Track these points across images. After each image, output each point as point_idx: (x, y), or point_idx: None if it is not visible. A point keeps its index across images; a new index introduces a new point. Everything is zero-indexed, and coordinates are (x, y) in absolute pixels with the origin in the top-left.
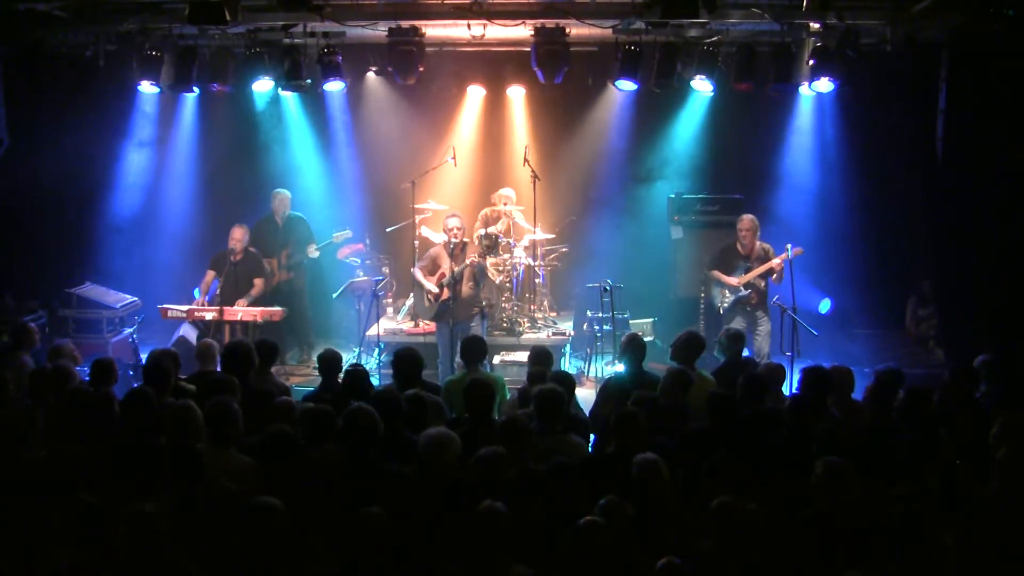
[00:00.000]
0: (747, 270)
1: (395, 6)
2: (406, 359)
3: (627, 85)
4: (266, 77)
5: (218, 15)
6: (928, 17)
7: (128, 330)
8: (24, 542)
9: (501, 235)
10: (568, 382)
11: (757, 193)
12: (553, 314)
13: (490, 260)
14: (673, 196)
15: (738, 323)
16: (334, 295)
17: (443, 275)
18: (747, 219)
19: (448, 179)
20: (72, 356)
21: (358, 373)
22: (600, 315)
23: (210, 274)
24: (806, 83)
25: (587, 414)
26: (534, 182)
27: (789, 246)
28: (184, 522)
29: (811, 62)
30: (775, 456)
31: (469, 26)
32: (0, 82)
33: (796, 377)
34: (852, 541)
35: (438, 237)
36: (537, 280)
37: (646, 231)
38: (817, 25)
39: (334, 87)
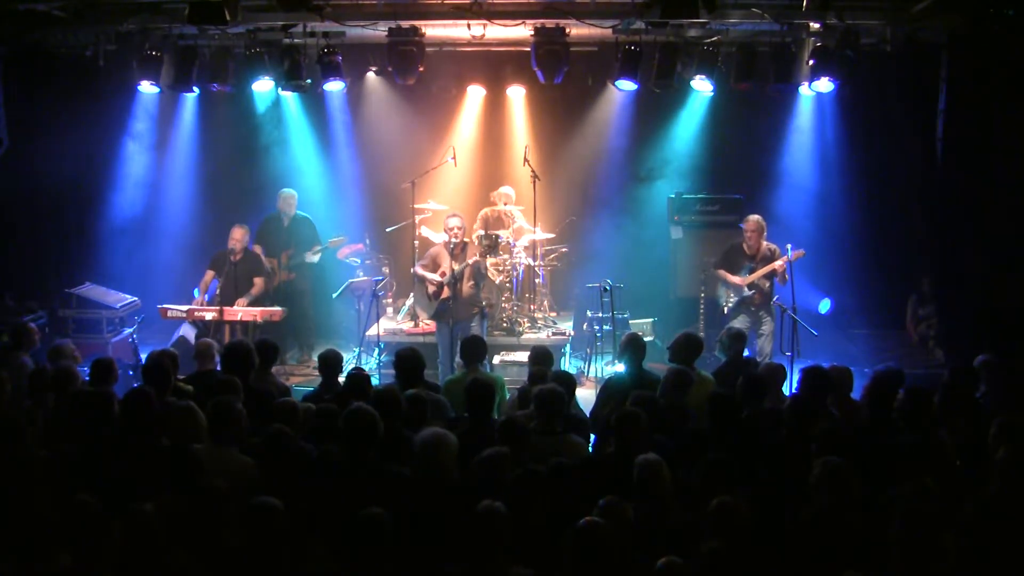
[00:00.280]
0: (752, 270)
1: (395, 6)
2: (408, 359)
3: (627, 85)
4: (266, 77)
5: (218, 15)
6: (928, 17)
7: (128, 330)
8: (24, 542)
9: (501, 235)
10: (568, 382)
11: (757, 193)
12: (553, 314)
13: (490, 260)
14: (673, 196)
15: (741, 322)
16: (334, 295)
17: (443, 274)
18: (753, 220)
19: (448, 179)
20: (72, 356)
21: (360, 378)
22: (600, 315)
23: (209, 274)
24: (806, 83)
25: (587, 414)
26: (534, 182)
27: (790, 247)
28: (184, 522)
29: (811, 62)
30: (775, 456)
31: (469, 26)
32: (0, 82)
33: (796, 377)
34: (852, 541)
35: (438, 237)
36: (537, 280)
37: (646, 231)
38: (817, 25)
39: (334, 87)
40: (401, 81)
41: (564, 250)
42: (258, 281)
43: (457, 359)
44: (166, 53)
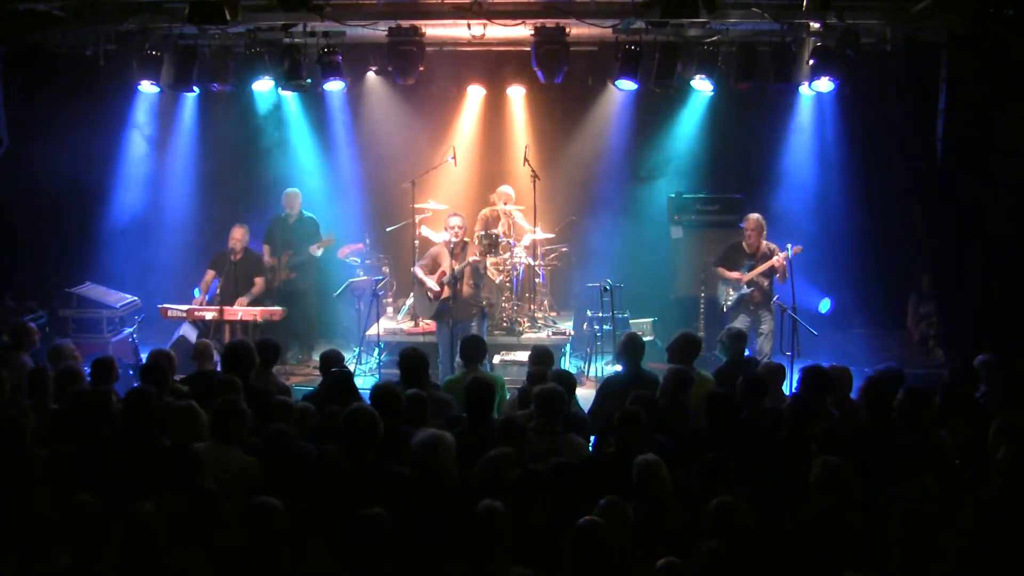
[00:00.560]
0: (751, 268)
1: (395, 6)
2: (412, 358)
3: (627, 85)
4: (266, 77)
5: (218, 15)
6: (928, 17)
7: (128, 330)
8: (24, 542)
9: (501, 235)
10: (569, 382)
11: (757, 193)
12: (553, 314)
13: (490, 260)
14: (673, 196)
15: (741, 321)
16: (335, 294)
17: (443, 274)
18: (753, 218)
19: (448, 179)
20: (72, 356)
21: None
22: (600, 315)
23: (210, 273)
24: (806, 83)
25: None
26: (534, 182)
27: (789, 245)
28: (184, 522)
29: (811, 62)
30: (775, 456)
31: (469, 26)
32: (0, 82)
33: (796, 377)
34: (852, 541)
35: (438, 237)
36: (537, 280)
37: (646, 231)
38: (817, 25)
39: (334, 87)
40: (401, 81)
41: (564, 250)
42: (258, 281)
43: (457, 359)
44: (166, 53)
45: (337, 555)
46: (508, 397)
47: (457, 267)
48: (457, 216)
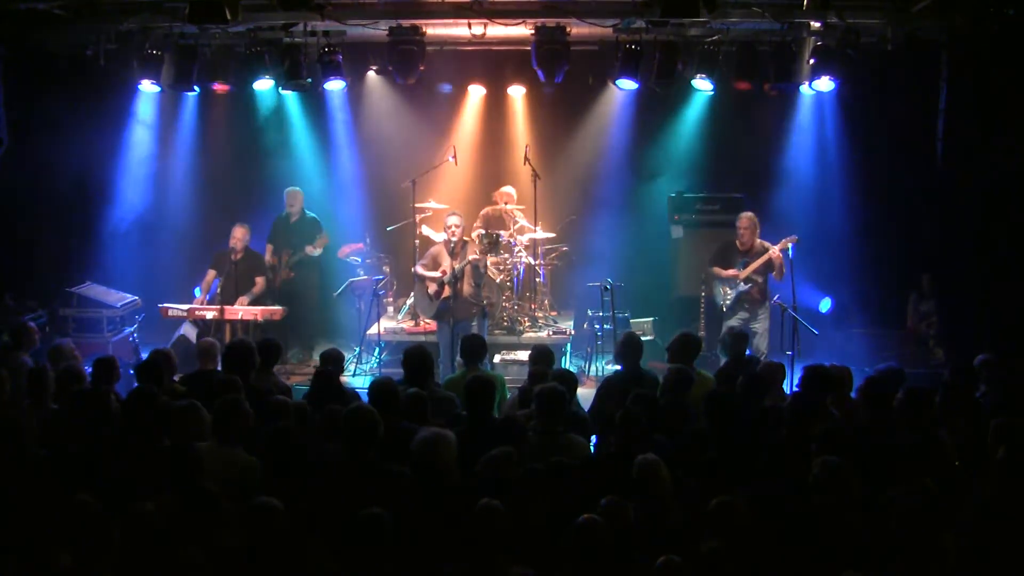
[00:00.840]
0: (746, 266)
1: (395, 5)
2: (415, 356)
3: (627, 84)
4: (266, 76)
5: (219, 14)
6: (928, 17)
7: (129, 329)
8: (24, 542)
9: (503, 235)
10: (569, 381)
11: (757, 192)
12: (554, 313)
13: (491, 259)
14: (673, 195)
15: (739, 319)
16: (335, 294)
17: (444, 273)
18: (746, 217)
19: (448, 178)
20: (72, 356)
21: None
22: (601, 314)
23: (211, 273)
24: (806, 82)
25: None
26: (535, 181)
27: (785, 239)
28: (184, 522)
29: (811, 61)
30: (775, 456)
31: (470, 25)
32: (0, 82)
33: (796, 376)
34: (852, 541)
35: (439, 236)
36: (538, 279)
37: (646, 230)
38: (817, 24)
39: (334, 86)
40: (401, 80)
41: (565, 249)
42: (259, 280)
43: (457, 358)
44: (167, 52)
45: (337, 555)
46: (508, 396)
47: (457, 266)
48: (455, 215)
